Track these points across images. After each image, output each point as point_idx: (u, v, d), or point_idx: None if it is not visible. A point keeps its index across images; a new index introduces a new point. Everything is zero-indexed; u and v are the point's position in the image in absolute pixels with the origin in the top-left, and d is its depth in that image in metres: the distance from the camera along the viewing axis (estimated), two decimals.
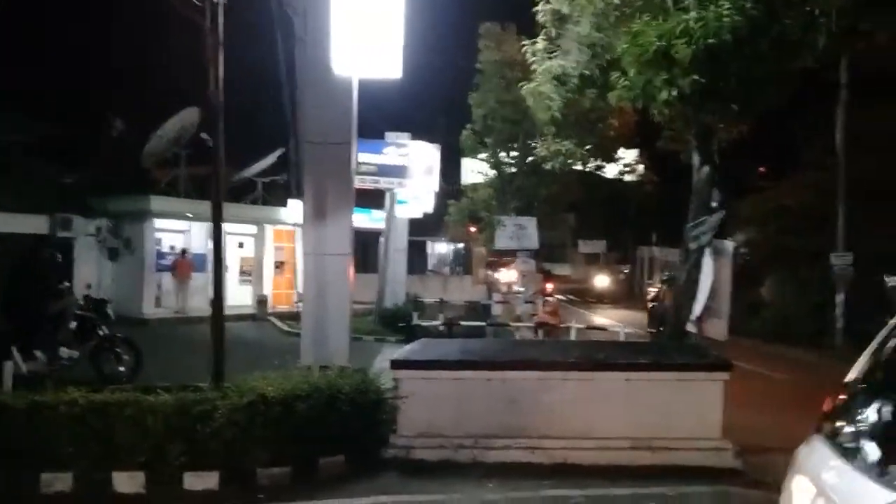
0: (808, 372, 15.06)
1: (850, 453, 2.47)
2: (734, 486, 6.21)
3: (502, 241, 20.41)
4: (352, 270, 8.63)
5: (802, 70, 10.50)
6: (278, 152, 24.18)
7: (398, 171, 19.95)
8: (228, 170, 18.59)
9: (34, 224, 17.93)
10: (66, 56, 22.88)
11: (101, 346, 10.10)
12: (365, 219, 22.76)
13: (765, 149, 24.24)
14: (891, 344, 2.93)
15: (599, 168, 26.95)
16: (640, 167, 31.26)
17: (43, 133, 20.36)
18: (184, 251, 20.68)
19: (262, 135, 23.87)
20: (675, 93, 8.93)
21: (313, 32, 8.33)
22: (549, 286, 22.78)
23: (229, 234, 20.72)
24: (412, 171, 20.16)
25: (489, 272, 30.32)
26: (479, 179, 27.17)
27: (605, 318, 24.94)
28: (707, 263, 9.62)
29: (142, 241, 19.93)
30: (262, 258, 23.13)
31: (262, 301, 21.65)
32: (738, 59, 8.95)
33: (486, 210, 26.64)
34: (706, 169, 9.97)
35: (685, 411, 6.72)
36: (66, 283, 10.95)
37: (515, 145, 24.51)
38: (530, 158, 23.38)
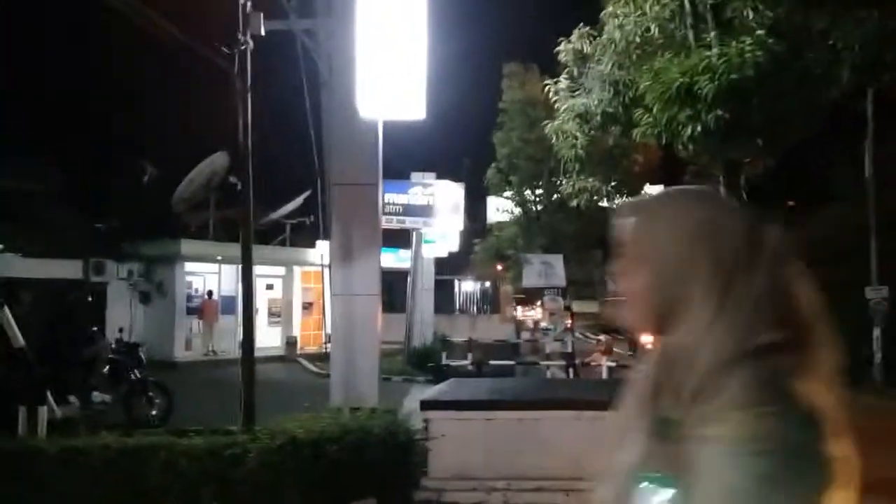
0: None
1: None
2: None
3: (529, 278, 20.31)
4: (380, 310, 8.65)
5: (829, 103, 10.48)
6: (305, 194, 24.46)
7: (424, 211, 20.08)
8: (256, 212, 18.87)
9: (68, 269, 18.26)
10: (95, 101, 23.53)
11: (134, 390, 10.18)
12: (392, 258, 22.89)
13: (793, 182, 24.04)
14: None
15: None
16: None
17: (67, 180, 20.85)
18: (210, 293, 20.86)
19: (289, 177, 24.21)
20: (699, 128, 8.96)
21: (338, 76, 8.49)
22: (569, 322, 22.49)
23: (258, 275, 20.88)
24: (438, 211, 20.28)
25: (517, 310, 30.16)
26: (505, 218, 27.26)
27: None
28: None
29: (173, 284, 20.18)
30: (290, 299, 23.27)
31: (291, 342, 21.73)
32: (762, 94, 8.97)
33: (512, 248, 26.66)
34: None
35: None
36: (96, 328, 11.11)
37: (540, 183, 24.62)
38: (555, 196, 23.42)
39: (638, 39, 10.28)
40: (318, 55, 9.58)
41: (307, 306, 23.78)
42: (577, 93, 11.09)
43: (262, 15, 7.42)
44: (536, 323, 23.86)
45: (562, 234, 25.42)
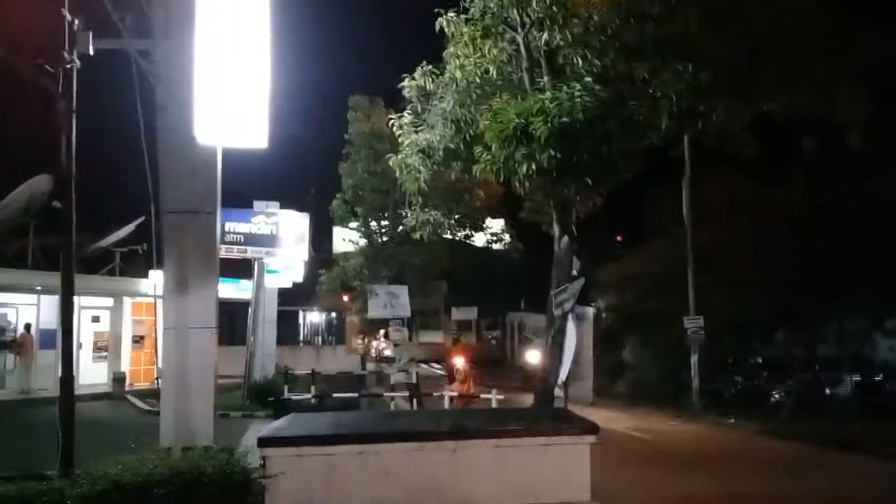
0: (669, 431, 15.82)
1: None
2: None
3: (375, 309, 20.30)
4: (216, 344, 8.32)
5: (650, 147, 11.38)
6: (138, 221, 23.17)
7: (267, 241, 19.63)
8: (82, 239, 17.63)
9: None
10: None
11: None
12: (232, 289, 22.09)
13: (620, 219, 25.73)
14: None
15: (468, 237, 27.65)
16: (507, 236, 32.33)
17: None
18: (27, 326, 19.20)
19: (121, 203, 22.85)
20: (534, 167, 9.43)
21: (174, 100, 8.16)
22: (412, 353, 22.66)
23: (84, 307, 19.47)
24: (282, 240, 19.89)
25: (362, 341, 30.03)
26: (351, 248, 27.17)
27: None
28: (571, 329, 10.05)
29: None
30: (119, 333, 21.82)
31: (118, 378, 20.31)
32: (590, 137, 9.60)
33: (358, 279, 26.57)
34: (566, 239, 10.52)
35: (554, 475, 6.85)
36: None
37: (386, 214, 24.80)
38: (400, 228, 23.69)
39: (478, 80, 10.72)
40: (154, 77, 9.18)
41: (138, 340, 22.37)
42: (420, 128, 11.35)
43: (90, 33, 7.03)
44: (379, 352, 23.84)
45: (408, 266, 25.68)
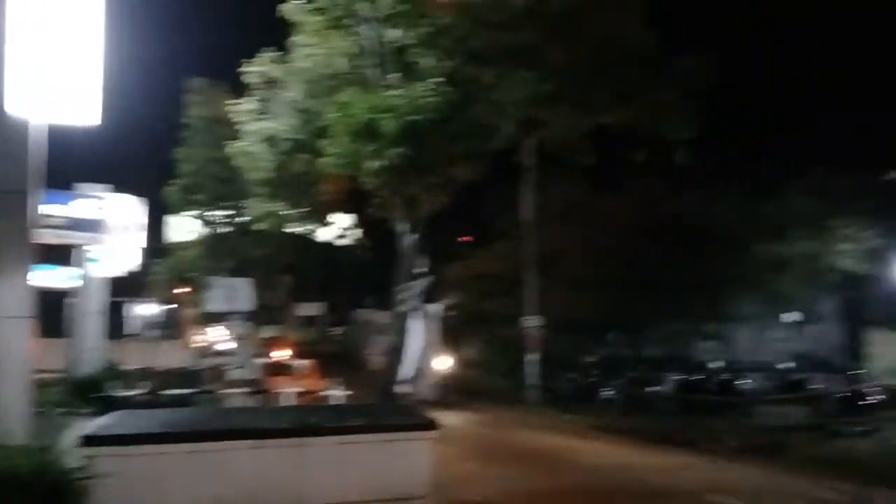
0: (509, 426, 16.37)
1: None
2: None
3: (214, 302, 19.58)
4: (31, 334, 7.68)
5: (497, 151, 11.76)
6: None
7: (93, 226, 18.19)
8: None
9: None
10: None
11: None
12: (53, 277, 20.41)
13: (466, 219, 26.31)
14: None
15: (312, 231, 27.25)
16: (356, 232, 32.18)
17: None
18: None
19: None
20: (382, 163, 9.47)
21: None
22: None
23: None
24: (110, 226, 18.56)
25: (199, 335, 28.80)
26: (188, 237, 26.00)
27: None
28: (417, 327, 10.15)
29: None
30: None
31: None
32: (436, 136, 9.78)
33: (195, 269, 25.46)
34: (411, 236, 10.63)
35: (395, 471, 6.91)
36: None
37: (227, 204, 23.95)
38: (242, 218, 22.96)
39: (327, 71, 10.58)
40: None
41: None
42: (264, 116, 11.04)
43: None
44: (211, 346, 22.97)
45: (250, 258, 24.91)
